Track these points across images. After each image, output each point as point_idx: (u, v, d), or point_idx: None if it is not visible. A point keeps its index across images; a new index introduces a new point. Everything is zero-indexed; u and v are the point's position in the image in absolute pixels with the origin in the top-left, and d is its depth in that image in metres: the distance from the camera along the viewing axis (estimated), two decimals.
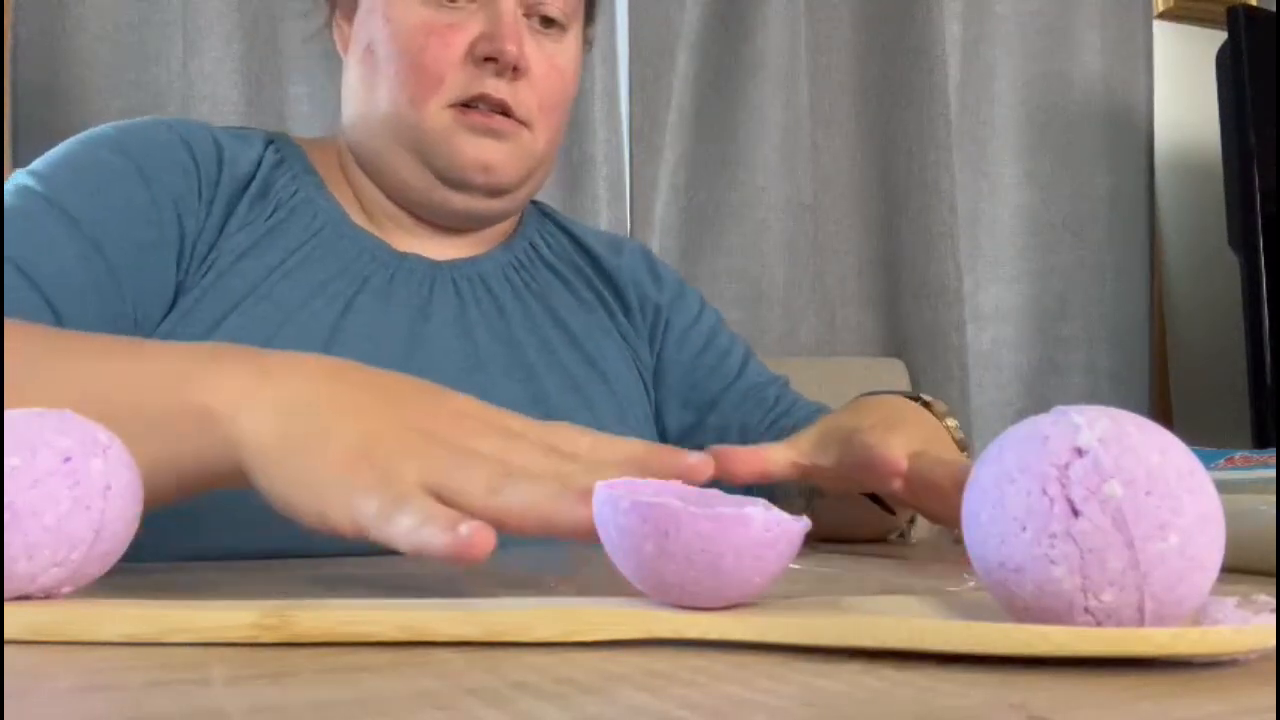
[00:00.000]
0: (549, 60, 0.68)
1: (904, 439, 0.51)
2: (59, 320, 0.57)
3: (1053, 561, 0.23)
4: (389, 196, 0.72)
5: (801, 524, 0.27)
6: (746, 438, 0.76)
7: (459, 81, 0.65)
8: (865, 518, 0.60)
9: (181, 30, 1.14)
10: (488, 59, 0.65)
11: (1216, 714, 0.19)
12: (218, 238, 0.65)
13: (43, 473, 0.27)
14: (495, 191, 0.69)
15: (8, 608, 0.26)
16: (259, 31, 1.18)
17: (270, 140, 0.72)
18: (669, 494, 0.28)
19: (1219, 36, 1.50)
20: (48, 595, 0.28)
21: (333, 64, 1.21)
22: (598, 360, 0.76)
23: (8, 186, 0.62)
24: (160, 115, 0.67)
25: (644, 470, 0.36)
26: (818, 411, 0.75)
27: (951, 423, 0.59)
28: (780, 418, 0.75)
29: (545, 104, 0.69)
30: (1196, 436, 0.27)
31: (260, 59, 1.18)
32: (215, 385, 0.39)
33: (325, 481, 0.36)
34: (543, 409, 0.70)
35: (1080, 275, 1.61)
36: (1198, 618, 0.24)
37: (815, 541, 0.50)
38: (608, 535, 0.27)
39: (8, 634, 0.26)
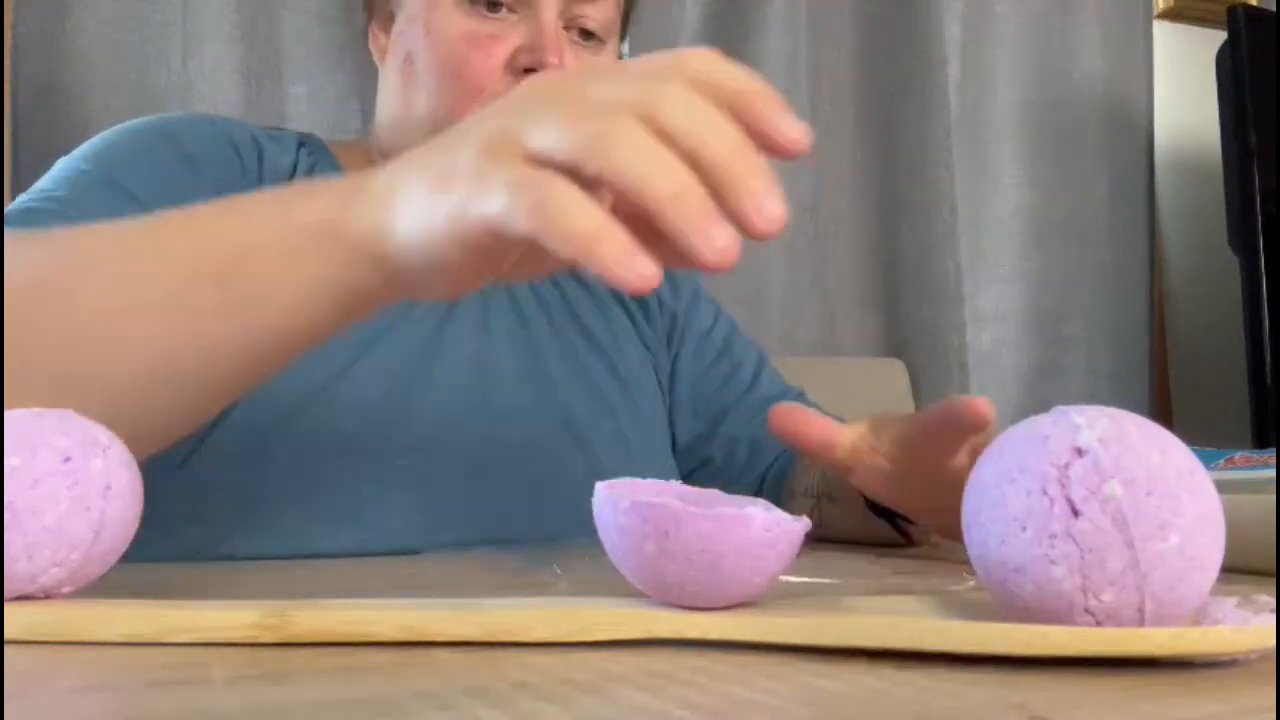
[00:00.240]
0: None
1: None
2: None
3: (1053, 561, 0.23)
4: None
5: (801, 524, 0.27)
6: (757, 450, 0.76)
7: (498, 93, 0.64)
8: (870, 529, 0.60)
9: (181, 30, 1.14)
10: (528, 70, 0.65)
11: (1216, 714, 0.19)
12: None
13: (42, 473, 0.27)
14: None
15: (8, 608, 0.26)
16: (258, 31, 1.18)
17: (302, 143, 0.72)
18: (669, 494, 0.28)
19: (1219, 36, 1.50)
20: (48, 595, 0.28)
21: (332, 64, 1.22)
22: (620, 367, 0.76)
23: (54, 173, 0.62)
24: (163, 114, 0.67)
25: None
26: None
27: None
28: None
29: None
30: (1196, 436, 0.27)
31: (260, 59, 1.18)
32: (319, 193, 0.38)
33: (451, 180, 0.33)
34: (562, 416, 0.70)
35: (1080, 275, 1.61)
36: (1198, 618, 0.24)
37: (815, 541, 0.50)
38: (608, 535, 0.27)
39: (8, 634, 0.26)
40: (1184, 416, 1.62)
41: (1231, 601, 0.25)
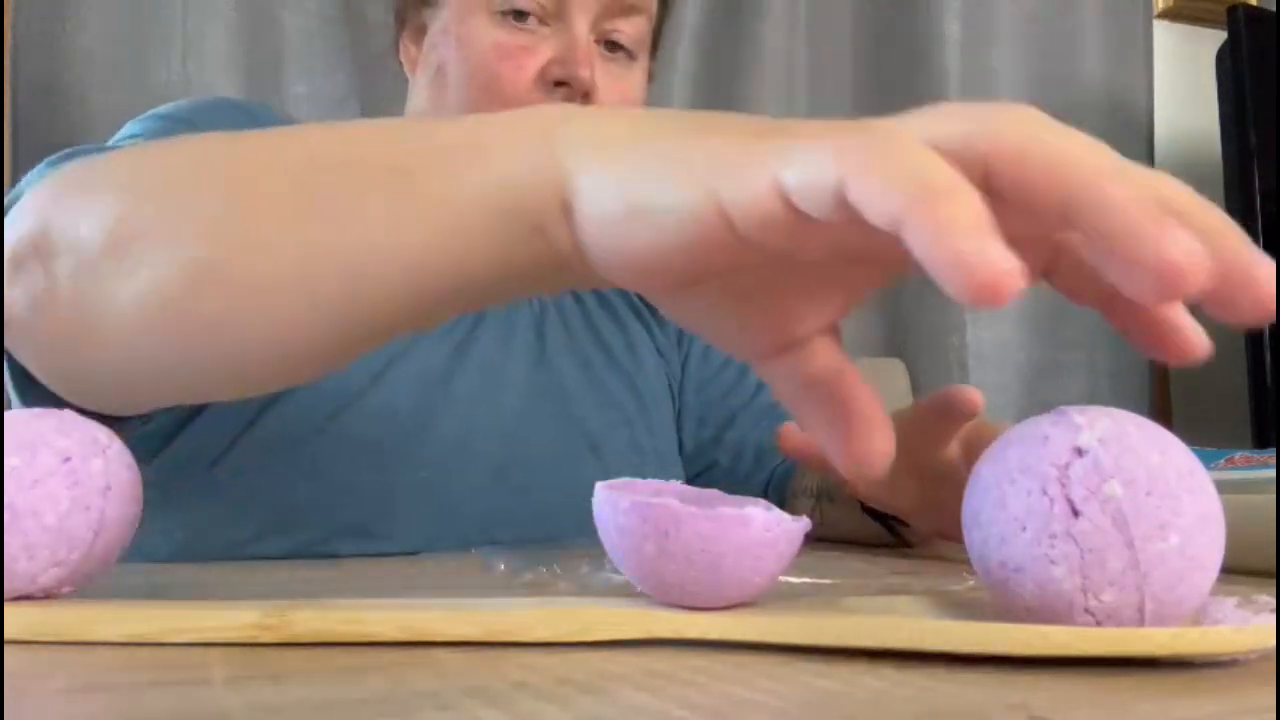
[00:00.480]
0: (619, 87, 0.68)
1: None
2: None
3: (1053, 561, 0.23)
4: None
5: (801, 524, 0.27)
6: (762, 458, 0.77)
7: (528, 104, 0.65)
8: (870, 530, 0.60)
9: (181, 30, 1.14)
10: (559, 83, 0.64)
11: (1216, 714, 0.19)
12: None
13: (42, 473, 0.27)
14: None
15: (7, 608, 0.26)
16: (258, 31, 1.18)
17: None
18: (669, 494, 0.28)
19: (1219, 36, 1.50)
20: (48, 595, 0.28)
21: (331, 64, 1.22)
22: (637, 379, 0.76)
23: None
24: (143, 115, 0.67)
25: None
26: None
27: None
28: None
29: None
30: (1196, 437, 0.27)
31: (259, 58, 1.18)
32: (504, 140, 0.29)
33: (703, 151, 0.25)
34: (577, 428, 0.70)
35: None
36: (1198, 618, 0.24)
37: (815, 542, 0.50)
38: (608, 535, 0.27)
39: (7, 634, 0.26)
40: (1184, 416, 1.62)
41: (1231, 601, 0.25)
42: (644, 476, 0.29)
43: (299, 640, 0.25)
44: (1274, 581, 0.39)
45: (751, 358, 0.29)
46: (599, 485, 0.27)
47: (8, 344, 0.39)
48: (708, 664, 0.23)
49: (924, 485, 0.52)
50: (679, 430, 0.80)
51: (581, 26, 0.65)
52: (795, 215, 0.22)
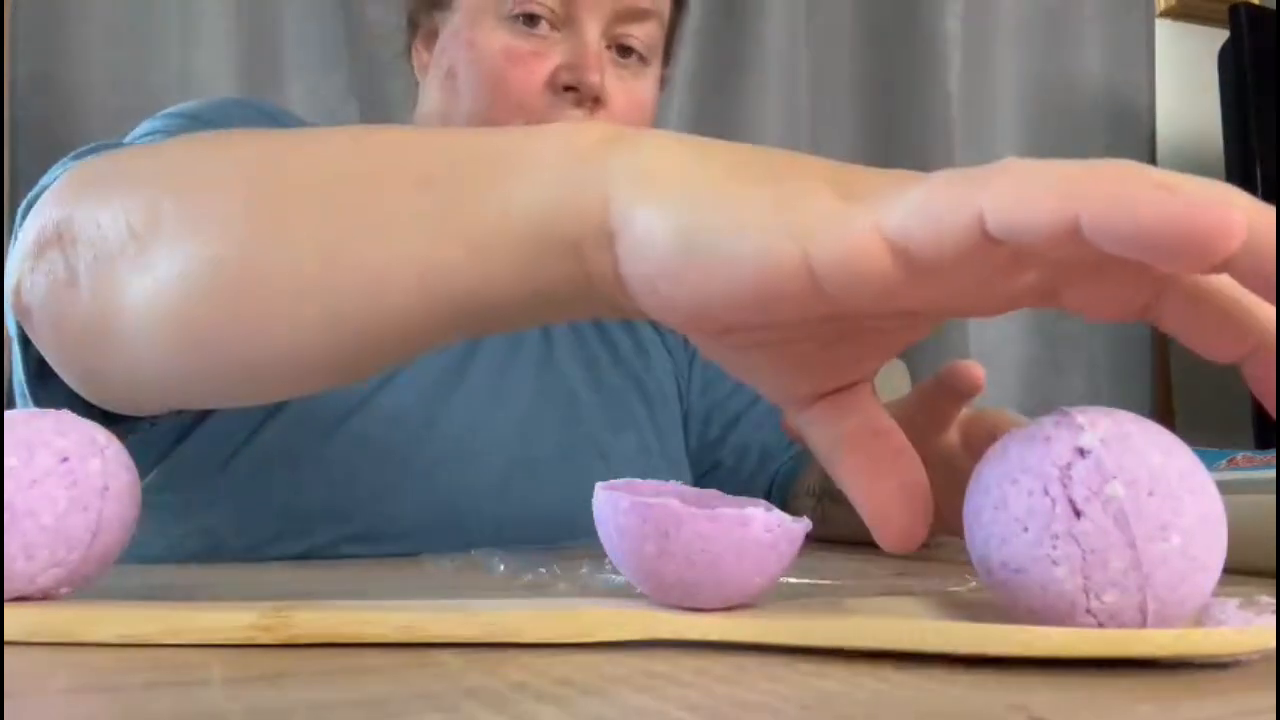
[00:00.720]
0: (629, 93, 0.67)
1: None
2: None
3: (1054, 562, 0.23)
4: None
5: (802, 525, 0.26)
6: (767, 458, 0.77)
7: (538, 109, 0.65)
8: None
9: (180, 28, 1.14)
10: (568, 88, 0.64)
11: (1218, 715, 0.19)
12: None
13: (40, 473, 0.27)
14: None
15: (6, 609, 0.26)
16: (257, 30, 1.18)
17: None
18: (669, 494, 0.28)
19: (1221, 35, 1.50)
20: (46, 596, 0.28)
21: (330, 63, 1.22)
22: (646, 380, 0.77)
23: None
24: (163, 110, 0.67)
25: None
26: None
27: None
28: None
29: None
30: (1198, 437, 0.27)
31: (258, 57, 1.18)
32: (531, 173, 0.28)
33: (788, 201, 0.23)
34: (583, 430, 0.70)
35: None
36: (1200, 619, 0.24)
37: (817, 542, 0.50)
38: (608, 535, 0.27)
39: (6, 635, 0.26)
40: (1186, 417, 1.62)
41: (1234, 602, 0.25)
42: (650, 478, 0.29)
43: (298, 641, 0.25)
44: (1274, 581, 0.39)
45: (788, 404, 0.28)
46: (599, 485, 0.27)
47: (28, 331, 0.39)
48: (708, 665, 0.23)
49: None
50: (685, 430, 0.80)
51: (592, 32, 0.65)
52: (901, 268, 0.22)
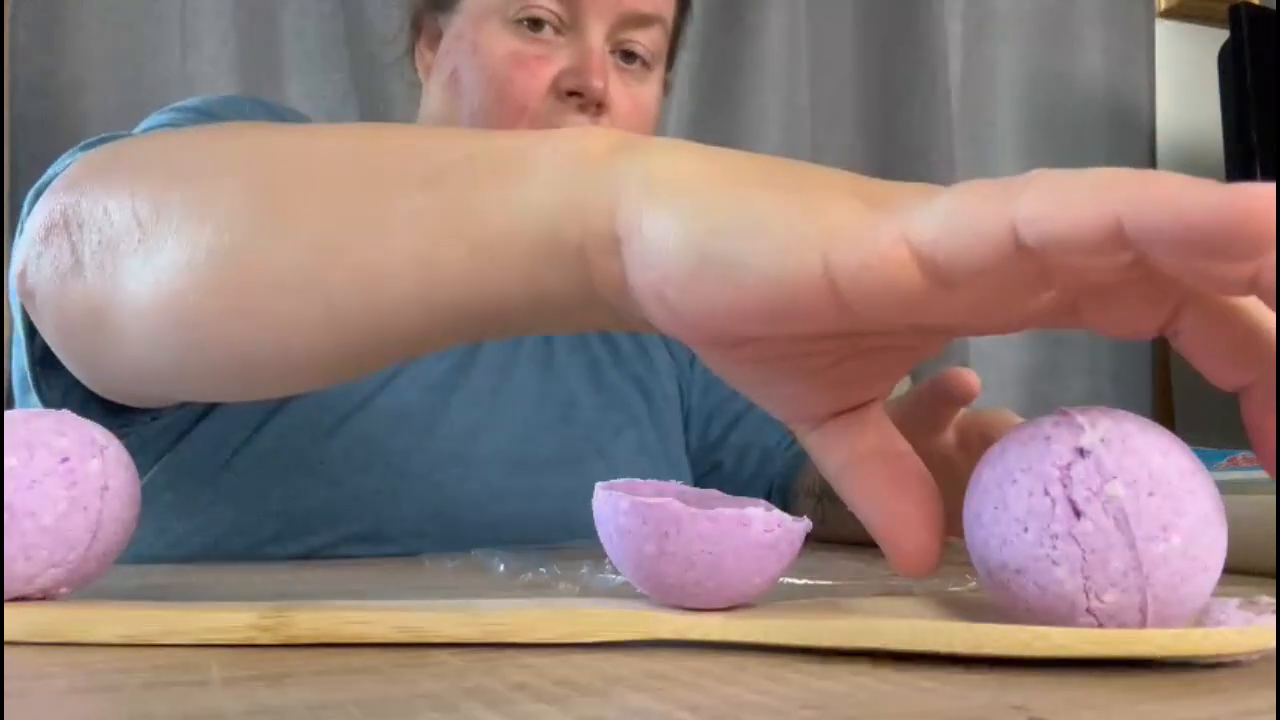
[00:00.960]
0: (632, 98, 0.67)
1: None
2: None
3: (1054, 562, 0.23)
4: None
5: (802, 525, 0.26)
6: (767, 459, 0.77)
7: (541, 113, 0.65)
8: None
9: (179, 27, 1.14)
10: (572, 93, 0.64)
11: (1218, 715, 0.19)
12: None
13: (40, 473, 0.27)
14: None
15: (6, 609, 0.26)
16: (256, 29, 1.18)
17: None
18: (669, 494, 0.28)
19: (1221, 35, 1.50)
20: (45, 596, 0.28)
21: (330, 62, 1.22)
22: (647, 379, 0.77)
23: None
24: (169, 105, 0.66)
25: None
26: None
27: None
28: (797, 441, 0.76)
29: None
30: (1198, 437, 0.27)
31: (257, 57, 1.18)
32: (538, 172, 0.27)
33: (809, 210, 0.22)
34: (583, 430, 0.70)
35: None
36: (1200, 619, 0.24)
37: (817, 542, 0.50)
38: (608, 536, 0.27)
39: (6, 635, 0.26)
40: (1186, 417, 1.62)
41: (1234, 602, 0.25)
42: (651, 478, 0.29)
43: (297, 641, 0.25)
44: (1274, 582, 0.39)
45: (797, 423, 0.28)
46: (599, 486, 0.27)
47: (32, 316, 0.39)
48: (708, 665, 0.23)
49: None
50: (685, 430, 0.80)
51: (596, 37, 0.65)
52: (928, 280, 0.21)
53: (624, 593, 0.29)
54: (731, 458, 0.78)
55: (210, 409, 0.61)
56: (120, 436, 0.30)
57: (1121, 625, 0.23)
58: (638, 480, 0.29)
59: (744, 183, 0.24)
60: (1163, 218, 0.19)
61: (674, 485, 0.29)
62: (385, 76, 1.18)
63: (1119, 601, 0.23)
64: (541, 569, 0.42)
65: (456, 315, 0.28)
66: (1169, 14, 1.70)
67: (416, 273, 0.28)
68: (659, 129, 1.50)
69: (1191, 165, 1.68)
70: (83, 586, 0.29)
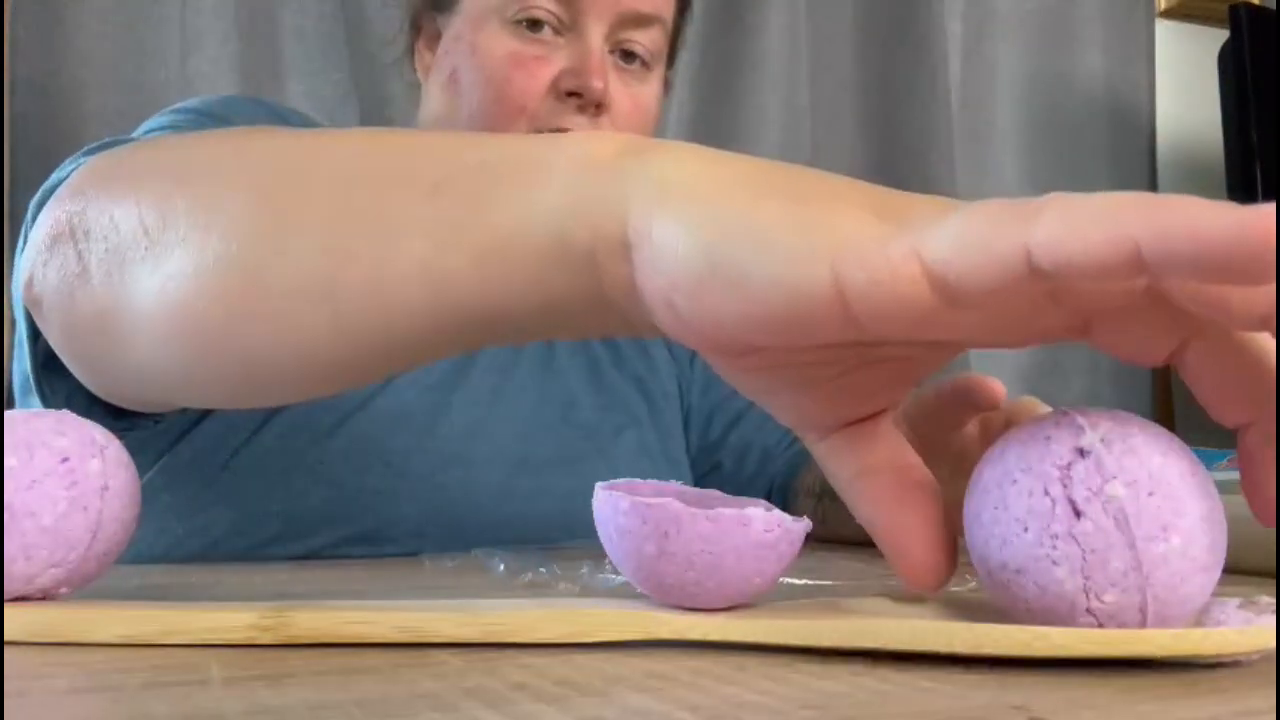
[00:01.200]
0: (632, 99, 0.67)
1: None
2: None
3: (1055, 562, 0.23)
4: None
5: (802, 525, 0.26)
6: (767, 459, 0.77)
7: (541, 114, 0.65)
8: None
9: (179, 28, 1.14)
10: (571, 94, 0.64)
11: (1218, 715, 0.19)
12: None
13: (40, 473, 0.27)
14: None
15: (6, 609, 0.26)
16: (257, 30, 1.18)
17: None
18: (669, 494, 0.28)
19: (1221, 35, 1.50)
20: (45, 596, 0.28)
21: (330, 63, 1.21)
22: (648, 380, 0.77)
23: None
24: (169, 106, 0.66)
25: None
26: None
27: None
28: (797, 440, 0.76)
29: None
30: (1198, 437, 0.27)
31: (257, 57, 1.18)
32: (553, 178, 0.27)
33: (820, 221, 0.22)
34: (583, 433, 0.70)
35: None
36: (1200, 619, 0.24)
37: (817, 542, 0.50)
38: (608, 536, 0.27)
39: (6, 635, 0.26)
40: (1185, 417, 1.62)
41: (1234, 602, 0.25)
42: (651, 478, 0.29)
43: (297, 641, 0.25)
44: (1274, 582, 0.39)
45: (806, 432, 0.28)
46: (599, 486, 0.27)
47: (39, 323, 0.39)
48: (708, 665, 0.23)
49: (937, 467, 0.52)
50: (686, 430, 0.80)
51: (596, 38, 0.65)
52: (938, 297, 0.21)
53: (624, 593, 0.29)
54: (732, 458, 0.78)
55: (209, 410, 0.61)
56: (118, 437, 0.30)
57: (1121, 625, 0.23)
58: (638, 480, 0.29)
59: (755, 191, 0.24)
60: (1180, 241, 0.18)
61: (674, 485, 0.29)
62: (385, 76, 1.18)
63: (1119, 601, 0.23)
64: (541, 569, 0.42)
65: (465, 321, 0.28)
66: (1169, 14, 1.70)
67: (425, 279, 0.28)
68: (659, 128, 1.50)
69: (1191, 165, 1.68)
70: (83, 586, 0.29)
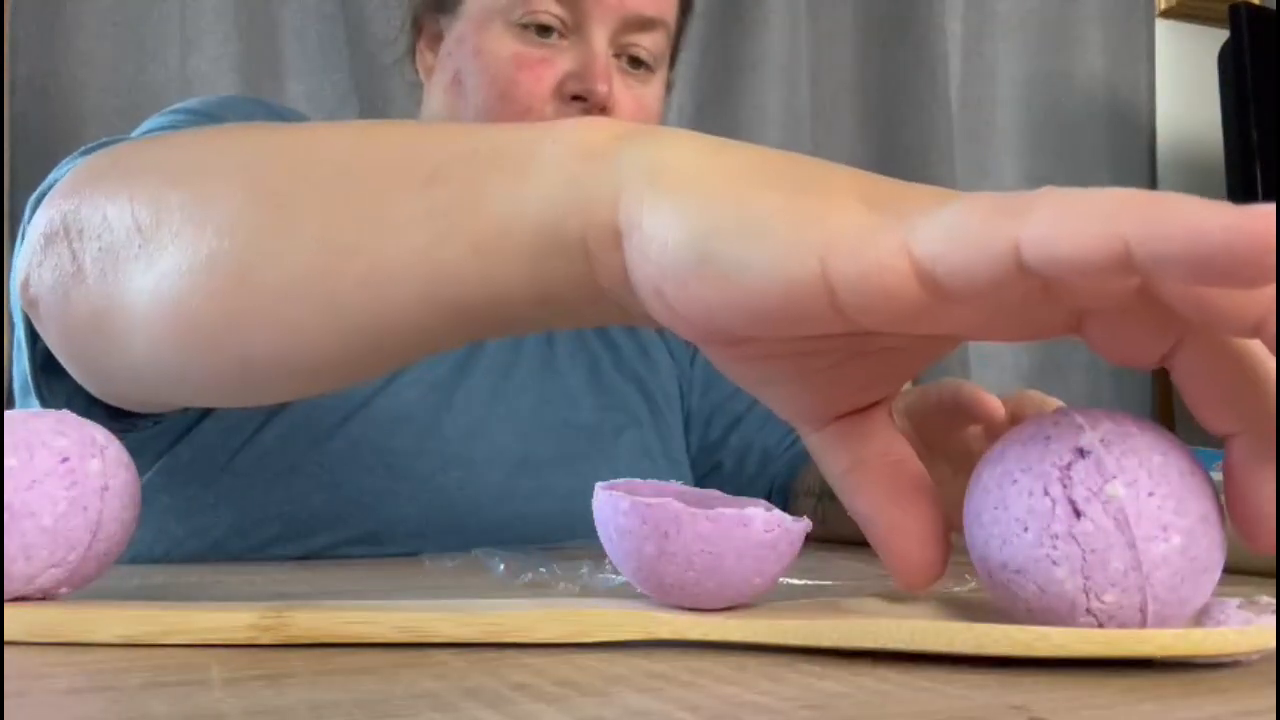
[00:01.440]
0: (636, 101, 0.67)
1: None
2: None
3: (1055, 563, 0.23)
4: None
5: (802, 525, 0.26)
6: (768, 460, 0.77)
7: (545, 116, 0.65)
8: None
9: (179, 28, 1.14)
10: (576, 97, 0.64)
11: (1218, 715, 0.19)
12: None
13: (40, 473, 0.27)
14: None
15: (6, 609, 0.26)
16: (256, 29, 1.18)
17: None
18: (669, 494, 0.28)
19: (1221, 35, 1.50)
20: (45, 596, 0.28)
21: (330, 63, 1.21)
22: (648, 381, 0.77)
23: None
24: (168, 107, 0.66)
25: None
26: None
27: None
28: (798, 441, 0.76)
29: None
30: (1198, 437, 0.27)
31: (257, 57, 1.18)
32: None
33: (811, 212, 0.22)
34: (584, 434, 0.70)
35: None
36: (1200, 619, 0.24)
37: (817, 542, 0.50)
38: (607, 536, 0.27)
39: (6, 635, 0.26)
40: (1185, 417, 1.61)
41: (1234, 602, 0.25)
42: (651, 479, 0.29)
43: (297, 641, 0.25)
44: (1274, 582, 0.39)
45: (800, 424, 0.28)
46: (599, 486, 0.27)
47: (35, 324, 0.39)
48: (708, 665, 0.23)
49: (934, 465, 0.52)
50: (686, 431, 0.80)
51: (600, 41, 0.65)
52: (927, 292, 0.21)
53: (624, 593, 0.29)
54: (732, 459, 0.78)
55: (208, 410, 0.61)
56: (117, 437, 0.30)
57: (1122, 625, 0.23)
58: (638, 480, 0.29)
59: (748, 180, 0.24)
60: (1172, 241, 0.18)
61: (674, 485, 0.29)
62: (385, 77, 1.18)
63: (1119, 601, 0.23)
64: (541, 569, 0.42)
65: (461, 313, 0.28)
66: (1169, 14, 1.70)
67: (421, 271, 0.27)
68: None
69: (1191, 165, 1.68)
70: (83, 586, 0.29)
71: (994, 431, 0.51)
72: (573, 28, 0.65)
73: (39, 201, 0.41)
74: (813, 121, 1.47)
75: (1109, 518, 0.22)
